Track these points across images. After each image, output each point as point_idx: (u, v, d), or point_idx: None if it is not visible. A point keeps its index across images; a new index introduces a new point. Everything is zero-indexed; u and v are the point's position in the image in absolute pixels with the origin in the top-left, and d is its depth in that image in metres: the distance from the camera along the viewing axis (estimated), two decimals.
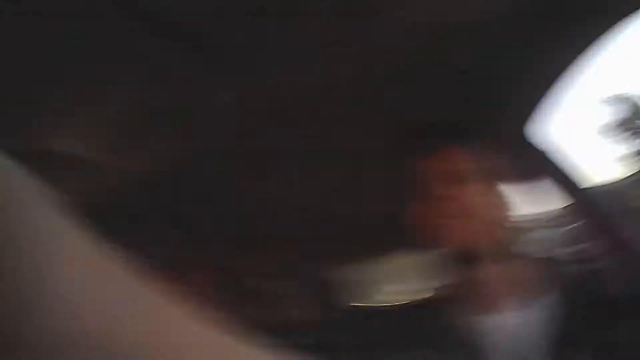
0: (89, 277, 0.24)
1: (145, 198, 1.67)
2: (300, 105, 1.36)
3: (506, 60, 1.30)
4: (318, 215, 2.49)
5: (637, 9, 1.10)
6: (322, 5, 1.00)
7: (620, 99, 29.97)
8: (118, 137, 1.35)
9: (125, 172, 1.49)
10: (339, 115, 1.43)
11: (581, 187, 1.59)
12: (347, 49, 1.15)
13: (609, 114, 22.91)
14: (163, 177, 1.56)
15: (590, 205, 1.59)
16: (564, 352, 1.01)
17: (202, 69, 1.14)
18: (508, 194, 1.21)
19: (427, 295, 1.33)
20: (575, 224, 1.36)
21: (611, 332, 1.02)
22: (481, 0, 1.08)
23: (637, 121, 23.50)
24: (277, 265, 3.34)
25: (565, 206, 1.57)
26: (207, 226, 2.06)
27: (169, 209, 1.79)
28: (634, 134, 21.91)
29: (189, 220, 1.94)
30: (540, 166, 1.64)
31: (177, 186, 1.66)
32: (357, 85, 1.29)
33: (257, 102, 1.30)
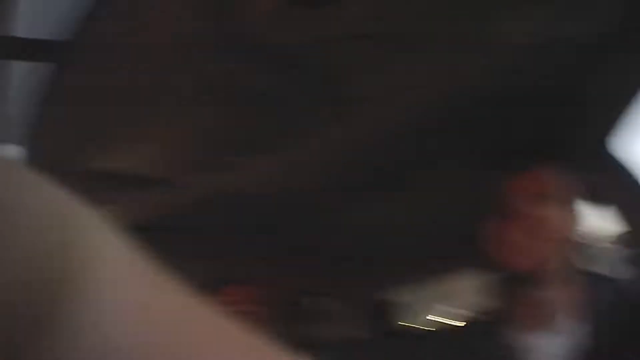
0: (138, 296, 0.24)
1: (207, 215, 1.68)
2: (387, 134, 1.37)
3: (588, 80, 1.28)
4: (386, 236, 2.49)
5: None
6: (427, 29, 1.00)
7: None
8: (188, 159, 1.37)
9: (190, 191, 1.50)
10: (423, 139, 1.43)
11: None
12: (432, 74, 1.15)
13: None
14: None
15: None
16: None
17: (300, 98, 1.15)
18: (582, 214, 1.20)
19: (480, 316, 1.31)
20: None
21: None
22: (565, 21, 1.07)
23: None
24: (334, 283, 3.34)
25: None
26: (264, 243, 2.06)
27: (230, 225, 1.81)
28: None
29: (248, 237, 1.95)
30: (616, 186, 1.58)
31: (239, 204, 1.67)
32: (442, 107, 1.29)
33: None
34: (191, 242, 1.80)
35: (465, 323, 1.28)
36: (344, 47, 0.99)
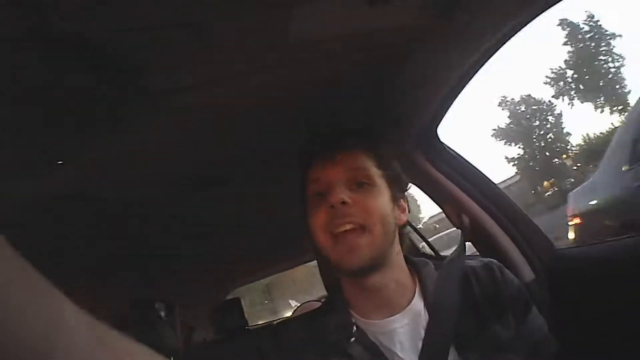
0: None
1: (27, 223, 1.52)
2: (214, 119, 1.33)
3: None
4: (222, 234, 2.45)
5: None
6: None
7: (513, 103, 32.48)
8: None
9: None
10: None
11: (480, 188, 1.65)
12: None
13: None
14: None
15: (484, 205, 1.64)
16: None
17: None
18: (408, 197, 1.22)
19: (319, 305, 1.30)
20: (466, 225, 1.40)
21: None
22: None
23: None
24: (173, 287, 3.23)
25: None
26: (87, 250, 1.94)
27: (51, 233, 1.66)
28: None
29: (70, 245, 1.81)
30: (441, 169, 1.67)
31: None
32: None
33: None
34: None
35: (307, 315, 1.25)
36: (149, 37, 0.92)
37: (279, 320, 4.56)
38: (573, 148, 31.97)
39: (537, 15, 1.12)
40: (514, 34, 1.18)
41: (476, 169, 1.68)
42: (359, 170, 1.11)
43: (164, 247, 2.33)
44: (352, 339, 1.07)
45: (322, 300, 1.37)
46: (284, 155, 1.39)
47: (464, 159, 1.69)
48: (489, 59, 1.27)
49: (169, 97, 1.13)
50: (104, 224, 1.75)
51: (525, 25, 1.15)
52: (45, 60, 0.90)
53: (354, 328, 1.09)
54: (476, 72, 1.33)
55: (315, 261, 1.47)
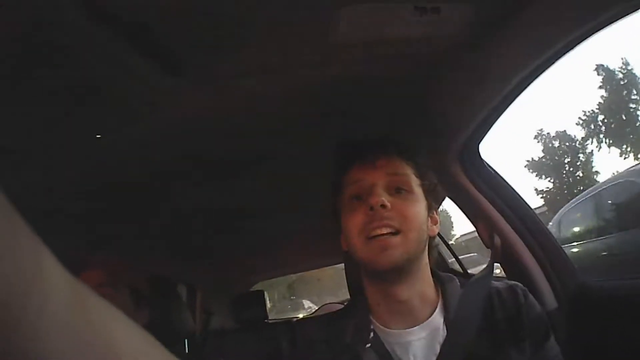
0: None
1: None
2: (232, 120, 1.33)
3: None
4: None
5: None
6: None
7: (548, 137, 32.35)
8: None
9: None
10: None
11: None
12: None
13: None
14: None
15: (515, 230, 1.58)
16: None
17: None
18: (438, 211, 1.18)
19: (338, 308, 1.27)
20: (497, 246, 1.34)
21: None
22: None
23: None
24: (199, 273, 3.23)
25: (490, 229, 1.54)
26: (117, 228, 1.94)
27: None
28: None
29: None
30: (478, 185, 1.62)
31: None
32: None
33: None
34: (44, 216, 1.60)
35: (327, 315, 1.21)
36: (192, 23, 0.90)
37: (298, 318, 4.56)
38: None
39: (582, 40, 1.05)
40: (560, 57, 1.12)
41: (514, 190, 1.60)
42: (399, 176, 1.07)
43: (192, 230, 2.31)
44: (368, 345, 1.03)
45: (345, 304, 1.32)
46: (317, 154, 1.37)
47: (502, 178, 1.62)
48: (534, 79, 1.22)
49: (206, 81, 1.11)
50: (131, 204, 1.74)
51: (572, 49, 1.08)
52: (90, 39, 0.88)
53: (371, 334, 1.05)
54: (520, 92, 1.27)
55: (342, 264, 1.43)
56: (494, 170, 1.63)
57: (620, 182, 6.57)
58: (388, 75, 1.22)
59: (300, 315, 6.56)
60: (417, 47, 1.12)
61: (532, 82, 1.23)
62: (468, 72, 1.22)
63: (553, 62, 1.14)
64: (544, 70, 1.17)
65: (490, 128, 1.46)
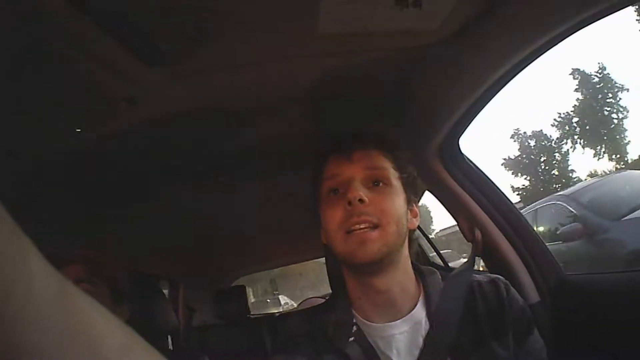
0: None
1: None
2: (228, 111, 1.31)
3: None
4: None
5: None
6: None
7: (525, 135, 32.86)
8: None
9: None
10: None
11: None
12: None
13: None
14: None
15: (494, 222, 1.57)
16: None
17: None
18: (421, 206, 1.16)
19: (320, 302, 1.25)
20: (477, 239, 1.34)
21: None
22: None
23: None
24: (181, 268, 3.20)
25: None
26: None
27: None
28: None
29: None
30: (458, 179, 1.61)
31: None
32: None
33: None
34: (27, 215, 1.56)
35: (309, 310, 1.20)
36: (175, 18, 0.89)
37: (280, 313, 4.53)
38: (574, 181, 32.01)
39: (563, 38, 1.04)
40: (541, 54, 1.11)
41: (494, 184, 1.59)
42: (376, 170, 1.06)
43: (173, 226, 2.27)
44: (351, 339, 1.02)
45: (326, 298, 1.31)
46: (296, 146, 1.36)
47: (483, 173, 1.60)
48: (514, 75, 1.21)
49: (189, 75, 1.09)
50: (112, 191, 1.70)
51: (551, 47, 1.08)
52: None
53: (354, 328, 1.04)
54: (501, 88, 1.26)
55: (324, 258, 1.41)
56: (475, 165, 1.62)
57: (551, 204, 7.11)
58: (368, 68, 1.21)
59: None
60: (397, 40, 1.10)
61: (512, 78, 1.22)
62: (448, 66, 1.21)
63: (534, 59, 1.13)
64: (524, 67, 1.17)
65: (470, 123, 1.45)
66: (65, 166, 1.38)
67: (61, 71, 0.96)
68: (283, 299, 21.75)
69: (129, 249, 2.30)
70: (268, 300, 22.17)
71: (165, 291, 3.23)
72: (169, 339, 2.64)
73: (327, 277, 1.38)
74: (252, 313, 3.66)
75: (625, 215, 5.55)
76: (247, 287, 3.47)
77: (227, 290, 3.60)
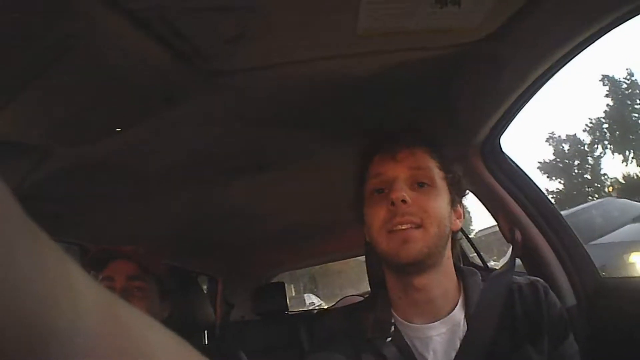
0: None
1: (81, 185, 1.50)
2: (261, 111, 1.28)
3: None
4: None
5: None
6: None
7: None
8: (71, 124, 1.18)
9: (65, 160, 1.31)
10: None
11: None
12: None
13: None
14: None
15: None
16: None
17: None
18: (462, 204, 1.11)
19: (361, 300, 1.22)
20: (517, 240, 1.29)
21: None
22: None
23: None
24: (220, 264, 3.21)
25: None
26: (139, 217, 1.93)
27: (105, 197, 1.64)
28: None
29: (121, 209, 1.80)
30: (499, 179, 1.55)
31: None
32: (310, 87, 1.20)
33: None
34: (65, 212, 1.62)
35: (347, 308, 1.16)
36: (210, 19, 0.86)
37: (318, 310, 4.50)
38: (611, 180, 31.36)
39: (604, 33, 0.99)
40: (581, 51, 1.06)
41: (535, 185, 1.52)
42: (421, 170, 1.01)
43: (214, 223, 2.27)
44: (389, 339, 0.98)
45: (365, 296, 1.27)
46: (340, 145, 1.32)
47: (524, 173, 1.54)
48: (554, 74, 1.16)
49: (225, 78, 1.06)
50: (152, 196, 1.71)
51: (592, 43, 1.03)
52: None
53: (392, 328, 1.00)
54: (540, 87, 1.21)
55: (363, 256, 1.38)
56: (516, 164, 1.55)
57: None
58: (409, 67, 1.15)
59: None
60: (438, 39, 1.05)
61: (552, 76, 1.16)
62: (489, 64, 1.15)
63: (573, 56, 1.08)
64: (564, 65, 1.12)
65: (511, 122, 1.39)
66: (102, 165, 1.38)
67: (100, 70, 0.94)
68: (309, 298, 20.99)
69: (170, 244, 2.30)
70: (291, 303, 21.64)
71: (204, 286, 3.25)
72: (205, 334, 2.65)
73: (366, 275, 1.34)
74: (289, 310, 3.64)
75: (592, 240, 5.88)
76: (285, 284, 3.44)
77: (266, 287, 3.59)
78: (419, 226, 0.96)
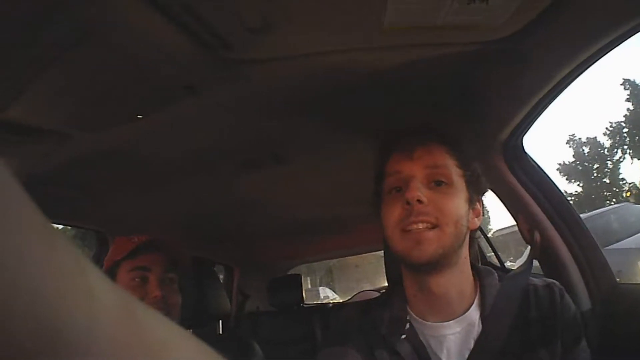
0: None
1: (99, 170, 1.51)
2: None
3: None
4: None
5: None
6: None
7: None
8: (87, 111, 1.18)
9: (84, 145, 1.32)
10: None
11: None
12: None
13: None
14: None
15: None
16: None
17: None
18: (481, 204, 1.08)
19: (377, 295, 1.20)
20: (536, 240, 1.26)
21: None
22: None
23: None
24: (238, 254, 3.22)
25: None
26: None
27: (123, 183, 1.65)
28: None
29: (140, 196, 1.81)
30: (521, 179, 1.52)
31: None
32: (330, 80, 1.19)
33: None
34: (82, 198, 1.61)
35: (363, 303, 1.15)
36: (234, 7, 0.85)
37: (333, 303, 4.48)
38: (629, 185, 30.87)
39: (632, 34, 0.96)
40: (608, 52, 1.03)
41: (556, 186, 1.49)
42: (438, 168, 0.98)
43: (231, 213, 2.28)
44: (403, 336, 0.97)
45: (381, 292, 1.25)
46: (360, 139, 1.31)
47: (545, 174, 1.51)
48: (579, 75, 1.13)
49: (248, 67, 1.06)
50: (171, 185, 1.72)
51: (619, 44, 0.99)
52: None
53: (407, 325, 0.99)
54: (565, 87, 1.18)
55: (382, 251, 1.34)
56: (538, 165, 1.52)
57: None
58: (434, 62, 1.14)
59: None
60: (463, 35, 1.04)
61: (577, 76, 1.13)
62: (514, 62, 1.13)
63: (598, 58, 1.05)
64: (588, 66, 1.09)
65: (534, 121, 1.36)
66: (120, 152, 1.39)
67: (121, 57, 0.94)
68: (323, 291, 20.60)
69: (188, 232, 2.31)
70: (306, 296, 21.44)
71: (221, 276, 3.26)
72: (220, 324, 2.65)
73: (383, 270, 1.32)
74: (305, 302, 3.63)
75: (608, 245, 5.89)
76: (301, 276, 3.43)
77: (283, 278, 3.58)
78: (434, 226, 0.94)
